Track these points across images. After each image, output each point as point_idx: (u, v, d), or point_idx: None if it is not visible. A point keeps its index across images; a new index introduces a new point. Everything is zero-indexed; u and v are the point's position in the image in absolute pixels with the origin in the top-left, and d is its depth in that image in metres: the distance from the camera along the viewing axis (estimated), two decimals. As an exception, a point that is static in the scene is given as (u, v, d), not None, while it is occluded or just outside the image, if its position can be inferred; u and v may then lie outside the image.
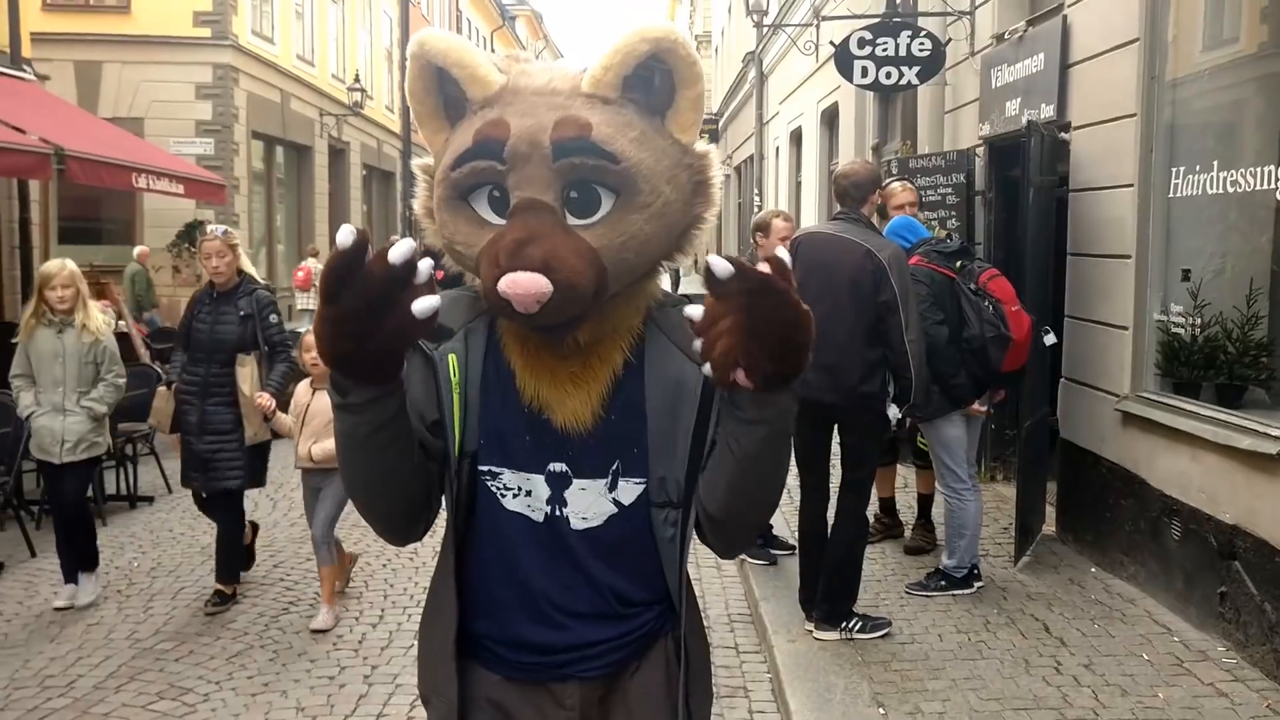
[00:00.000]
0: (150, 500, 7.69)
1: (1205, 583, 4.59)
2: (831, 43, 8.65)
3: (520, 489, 1.64)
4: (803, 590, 4.87)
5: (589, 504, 1.64)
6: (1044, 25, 6.49)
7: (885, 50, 7.89)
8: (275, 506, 7.48)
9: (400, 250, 1.29)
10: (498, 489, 1.65)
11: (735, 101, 25.84)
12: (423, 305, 1.31)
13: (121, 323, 11.99)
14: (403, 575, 5.87)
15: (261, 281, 5.74)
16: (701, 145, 1.61)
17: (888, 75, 7.94)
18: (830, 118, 13.62)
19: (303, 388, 5.29)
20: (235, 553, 5.55)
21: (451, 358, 1.62)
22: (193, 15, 18.40)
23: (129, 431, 7.75)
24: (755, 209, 19.91)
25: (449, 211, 1.57)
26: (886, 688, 4.18)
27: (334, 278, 1.31)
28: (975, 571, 5.24)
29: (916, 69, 7.89)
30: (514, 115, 1.52)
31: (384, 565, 6.04)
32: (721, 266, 1.30)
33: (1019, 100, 6.72)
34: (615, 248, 1.51)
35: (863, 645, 4.57)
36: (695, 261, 1.68)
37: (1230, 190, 4.67)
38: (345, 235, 1.29)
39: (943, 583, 5.20)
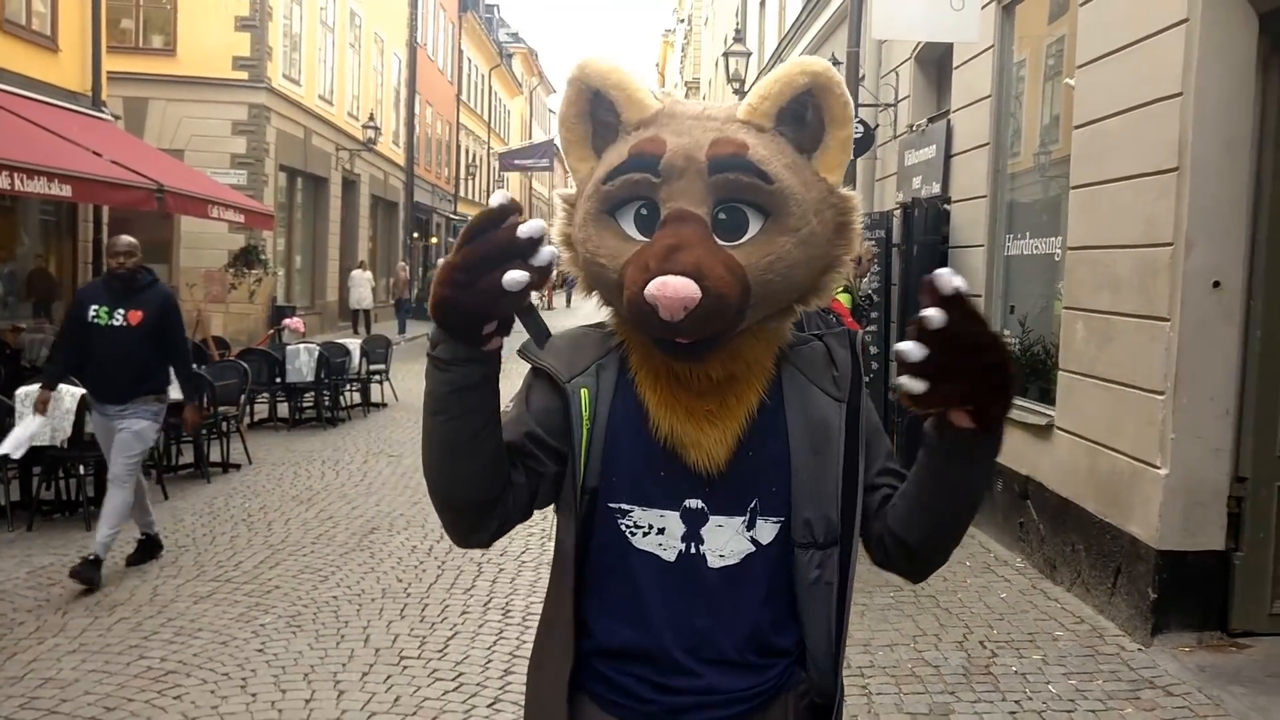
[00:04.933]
0: (238, 467, 9.73)
1: (1013, 517, 6.74)
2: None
3: (652, 527, 1.61)
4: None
5: (726, 541, 1.61)
6: (938, 123, 8.72)
7: (827, 131, 10.06)
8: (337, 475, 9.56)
9: (531, 226, 1.33)
10: (627, 527, 1.61)
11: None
12: (512, 276, 1.33)
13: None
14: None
15: None
16: (845, 190, 1.62)
17: (828, 150, 10.12)
18: (794, 173, 15.89)
19: None
20: None
21: (584, 392, 1.62)
22: (232, 59, 20.46)
23: (224, 413, 9.84)
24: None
25: (595, 226, 1.57)
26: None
27: (472, 228, 1.37)
28: None
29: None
30: (670, 134, 1.53)
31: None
32: (912, 350, 1.33)
33: (920, 177, 8.94)
34: (761, 267, 1.50)
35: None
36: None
37: (1035, 252, 6.88)
38: (498, 197, 1.35)
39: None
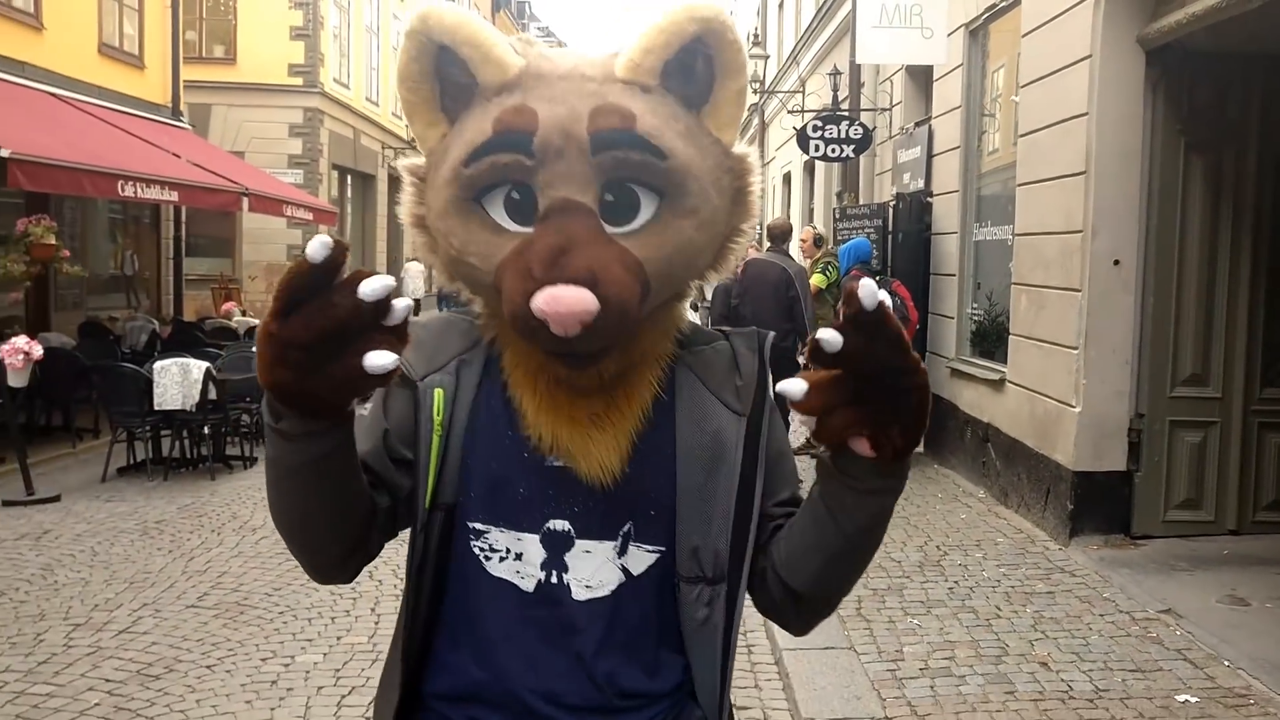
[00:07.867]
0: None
1: (978, 458, 8.13)
2: (794, 127, 12.29)
3: (509, 550, 1.39)
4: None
5: (595, 569, 1.39)
6: (922, 128, 10.08)
7: (831, 133, 11.46)
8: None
9: (373, 286, 1.07)
10: (482, 550, 1.40)
11: (742, 142, 29.52)
12: (375, 360, 1.07)
13: (251, 318, 15.71)
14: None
15: None
16: (741, 147, 1.42)
17: (833, 150, 11.51)
18: (810, 167, 17.27)
19: None
20: None
21: (438, 393, 1.38)
22: (288, 66, 22.04)
23: (252, 408, 11.21)
24: (754, 239, 23.58)
25: (459, 216, 1.32)
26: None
27: (289, 293, 1.08)
28: None
29: (852, 146, 11.46)
30: (540, 102, 1.28)
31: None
32: (833, 339, 1.12)
33: (909, 174, 10.30)
34: (661, 260, 1.29)
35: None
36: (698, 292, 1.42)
37: (995, 238, 8.26)
38: (317, 248, 1.06)
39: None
